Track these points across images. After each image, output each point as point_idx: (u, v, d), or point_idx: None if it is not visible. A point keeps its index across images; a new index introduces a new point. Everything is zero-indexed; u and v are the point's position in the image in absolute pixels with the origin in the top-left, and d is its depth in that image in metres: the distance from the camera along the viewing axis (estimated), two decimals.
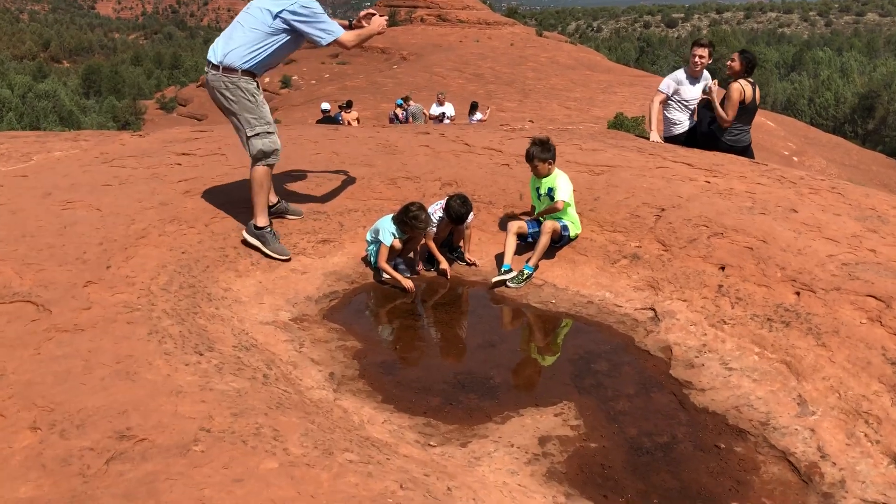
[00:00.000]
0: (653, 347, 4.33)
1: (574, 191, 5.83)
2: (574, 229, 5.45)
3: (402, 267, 5.34)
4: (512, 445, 3.32)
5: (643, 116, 25.35)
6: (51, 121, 43.76)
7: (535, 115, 29.59)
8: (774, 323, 4.22)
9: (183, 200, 5.57)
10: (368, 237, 5.36)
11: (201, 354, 3.52)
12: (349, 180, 6.25)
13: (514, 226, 5.32)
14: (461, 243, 5.55)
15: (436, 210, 5.41)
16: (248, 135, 4.93)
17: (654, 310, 4.69)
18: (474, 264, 5.47)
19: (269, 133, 4.96)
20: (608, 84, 40.58)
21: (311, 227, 5.62)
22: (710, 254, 4.92)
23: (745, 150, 7.32)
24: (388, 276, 5.15)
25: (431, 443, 3.31)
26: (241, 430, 2.84)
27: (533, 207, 5.69)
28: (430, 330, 4.67)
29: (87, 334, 3.54)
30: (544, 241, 5.19)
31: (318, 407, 3.36)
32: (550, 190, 5.43)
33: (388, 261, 5.21)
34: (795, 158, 25.81)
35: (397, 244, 5.15)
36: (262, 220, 5.11)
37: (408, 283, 5.08)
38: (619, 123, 24.86)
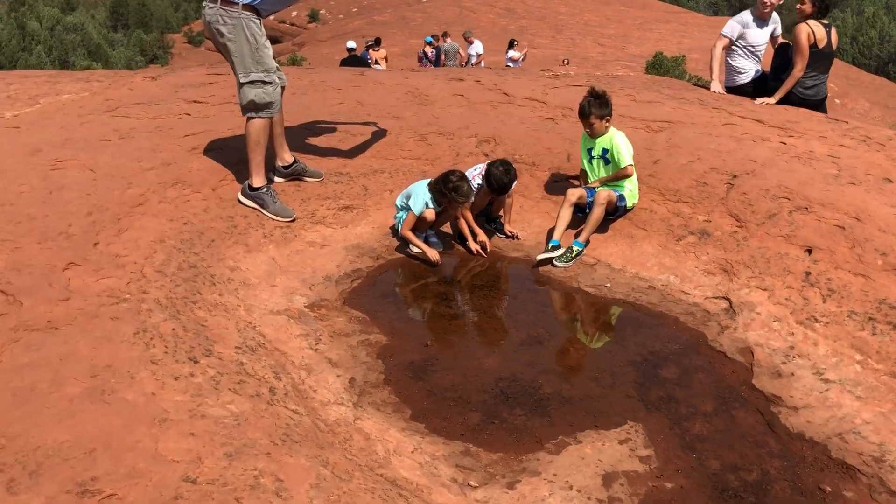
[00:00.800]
0: (729, 348, 3.68)
1: None
2: (631, 199, 4.75)
3: (433, 240, 4.70)
4: (570, 487, 2.71)
5: (683, 56, 24.16)
6: (79, 54, 43.04)
7: (569, 52, 28.41)
8: (878, 323, 3.53)
9: (188, 159, 4.94)
10: (398, 203, 4.71)
11: (196, 362, 2.93)
12: (375, 136, 5.58)
13: (574, 195, 4.61)
14: (501, 213, 4.88)
15: (474, 176, 4.73)
16: (242, 81, 4.31)
17: (728, 300, 4.02)
18: (515, 237, 4.81)
19: (265, 83, 4.31)
20: (643, 20, 38.93)
21: (332, 192, 4.97)
22: (794, 233, 4.22)
23: (820, 105, 6.49)
24: (416, 249, 4.51)
25: (472, 482, 2.71)
26: (236, 480, 2.26)
27: (583, 171, 4.98)
28: (465, 319, 4.03)
29: (62, 335, 2.96)
30: (598, 213, 4.51)
31: (335, 434, 2.77)
32: (605, 151, 4.72)
33: (418, 233, 4.57)
34: (837, 101, 24.44)
35: (430, 215, 4.50)
36: (257, 179, 4.51)
37: (434, 255, 4.44)
38: (658, 63, 23.72)
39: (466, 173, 4.68)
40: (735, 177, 4.77)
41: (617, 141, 4.69)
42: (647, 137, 5.45)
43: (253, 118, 4.44)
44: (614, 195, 4.60)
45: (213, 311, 3.48)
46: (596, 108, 4.63)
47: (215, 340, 3.19)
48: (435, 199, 4.49)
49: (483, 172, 4.65)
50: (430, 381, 3.38)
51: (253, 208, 4.56)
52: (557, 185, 5.15)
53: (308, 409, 2.88)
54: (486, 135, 5.72)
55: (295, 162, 4.94)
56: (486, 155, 5.49)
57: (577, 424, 3.10)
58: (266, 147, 4.55)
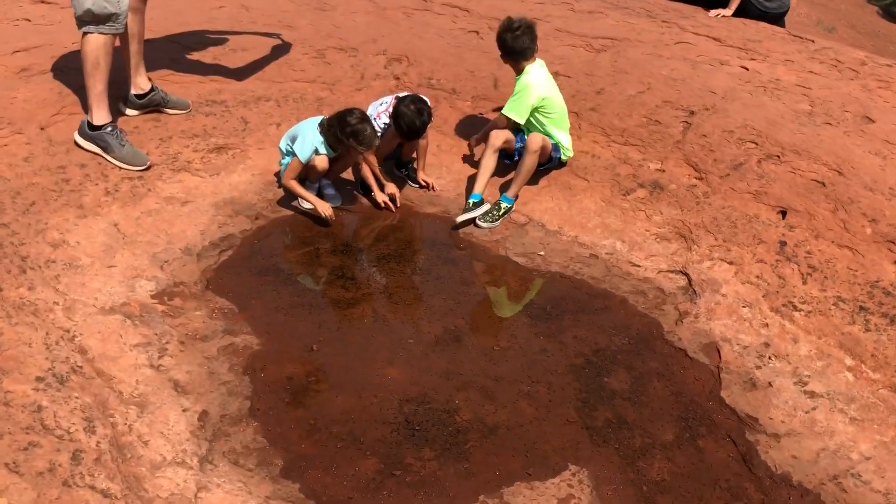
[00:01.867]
0: (691, 344, 2.97)
1: (570, 77, 4.29)
2: (566, 152, 3.90)
3: (329, 192, 3.80)
4: None
5: None
6: None
7: None
8: (871, 315, 2.88)
9: (13, 85, 3.84)
10: (283, 146, 3.76)
11: None
12: (260, 52, 4.54)
13: (499, 138, 3.71)
14: (413, 156, 3.98)
15: (379, 113, 3.80)
16: None
17: (687, 275, 3.30)
18: (431, 187, 3.94)
19: None
20: None
21: (201, 127, 3.98)
22: (764, 188, 3.50)
23: (780, 18, 5.70)
24: (307, 205, 3.62)
25: None
26: None
27: None
28: (365, 306, 3.18)
29: None
30: (530, 162, 3.66)
31: None
32: None
33: (308, 183, 3.67)
34: None
35: (321, 163, 3.58)
36: (99, 115, 3.51)
37: (325, 211, 3.56)
38: None
39: (370, 109, 3.76)
40: (692, 113, 3.99)
41: (521, 83, 3.73)
42: (588, 59, 4.58)
43: (91, 33, 3.39)
44: (549, 141, 3.75)
45: (14, 318, 2.55)
46: (512, 40, 3.70)
47: (7, 370, 2.29)
48: (329, 144, 3.56)
49: (390, 110, 3.72)
50: (312, 407, 2.57)
51: (94, 153, 3.55)
52: (482, 119, 4.27)
53: (128, 484, 2.04)
54: (397, 51, 4.74)
55: (153, 90, 3.91)
56: (398, 78, 4.55)
57: (504, 471, 2.37)
58: (110, 70, 3.51)
